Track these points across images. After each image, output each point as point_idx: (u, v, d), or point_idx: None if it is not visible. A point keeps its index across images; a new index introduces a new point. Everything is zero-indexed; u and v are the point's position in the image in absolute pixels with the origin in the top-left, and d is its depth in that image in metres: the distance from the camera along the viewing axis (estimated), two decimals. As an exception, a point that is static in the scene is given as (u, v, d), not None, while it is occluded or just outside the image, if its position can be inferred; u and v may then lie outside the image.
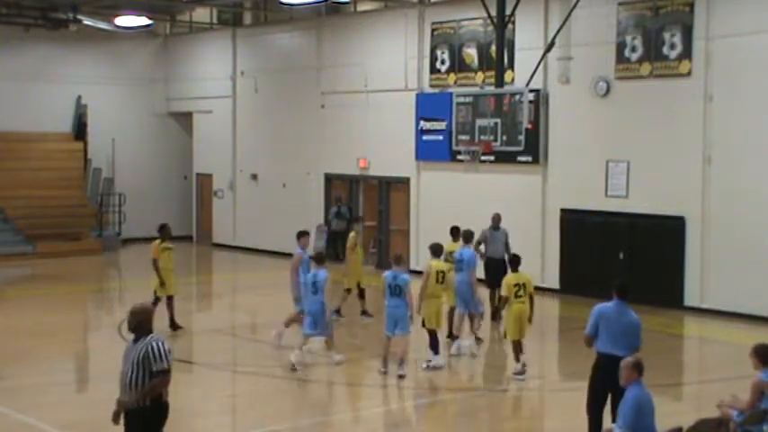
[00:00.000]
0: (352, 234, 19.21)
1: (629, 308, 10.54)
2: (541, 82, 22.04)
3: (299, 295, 15.69)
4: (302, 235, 16.83)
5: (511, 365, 14.97)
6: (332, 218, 27.27)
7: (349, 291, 18.86)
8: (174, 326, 17.42)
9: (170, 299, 17.44)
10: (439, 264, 15.16)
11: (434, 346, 14.92)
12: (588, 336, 10.58)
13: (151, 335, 8.31)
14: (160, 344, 8.24)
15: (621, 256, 20.41)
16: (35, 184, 30.06)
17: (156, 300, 17.06)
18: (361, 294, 18.77)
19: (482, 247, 18.85)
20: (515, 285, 14.47)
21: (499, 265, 18.50)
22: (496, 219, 19.25)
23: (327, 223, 27.52)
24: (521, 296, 14.46)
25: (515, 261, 14.87)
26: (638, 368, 9.10)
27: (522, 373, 14.41)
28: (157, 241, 17.55)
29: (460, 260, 16.21)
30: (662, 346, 16.57)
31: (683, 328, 18.71)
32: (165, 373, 8.20)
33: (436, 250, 15.39)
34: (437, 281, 14.94)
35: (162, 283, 17.24)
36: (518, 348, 14.48)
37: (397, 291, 14.37)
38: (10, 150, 30.04)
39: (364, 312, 18.76)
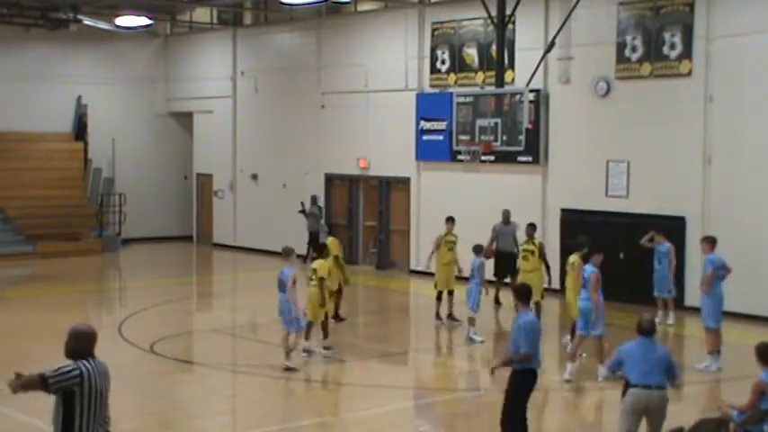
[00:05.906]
0: (442, 233, 18.65)
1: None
2: (542, 82, 22.05)
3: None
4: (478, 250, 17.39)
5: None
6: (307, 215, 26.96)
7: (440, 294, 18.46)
8: (337, 317, 17.96)
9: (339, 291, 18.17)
10: None
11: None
12: (528, 354, 10.04)
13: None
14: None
15: (621, 256, 20.39)
16: (35, 184, 30.05)
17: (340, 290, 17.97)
18: (438, 297, 18.47)
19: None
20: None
21: (507, 258, 19.83)
22: (506, 214, 20.51)
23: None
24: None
25: (320, 248, 16.55)
26: None
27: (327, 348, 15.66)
28: (330, 237, 18.77)
29: None
30: (662, 346, 16.56)
31: (683, 328, 18.68)
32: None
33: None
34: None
35: (347, 280, 18.24)
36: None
37: None
38: (10, 150, 30.04)
39: (449, 316, 18.56)
